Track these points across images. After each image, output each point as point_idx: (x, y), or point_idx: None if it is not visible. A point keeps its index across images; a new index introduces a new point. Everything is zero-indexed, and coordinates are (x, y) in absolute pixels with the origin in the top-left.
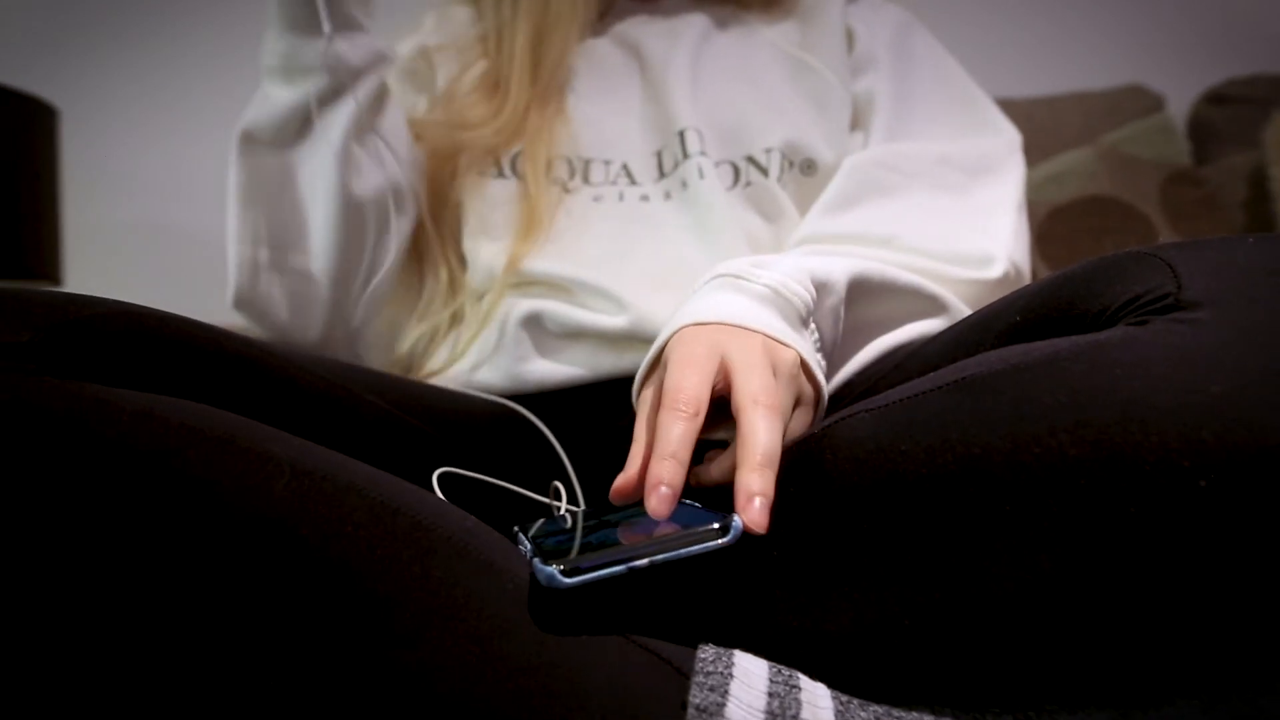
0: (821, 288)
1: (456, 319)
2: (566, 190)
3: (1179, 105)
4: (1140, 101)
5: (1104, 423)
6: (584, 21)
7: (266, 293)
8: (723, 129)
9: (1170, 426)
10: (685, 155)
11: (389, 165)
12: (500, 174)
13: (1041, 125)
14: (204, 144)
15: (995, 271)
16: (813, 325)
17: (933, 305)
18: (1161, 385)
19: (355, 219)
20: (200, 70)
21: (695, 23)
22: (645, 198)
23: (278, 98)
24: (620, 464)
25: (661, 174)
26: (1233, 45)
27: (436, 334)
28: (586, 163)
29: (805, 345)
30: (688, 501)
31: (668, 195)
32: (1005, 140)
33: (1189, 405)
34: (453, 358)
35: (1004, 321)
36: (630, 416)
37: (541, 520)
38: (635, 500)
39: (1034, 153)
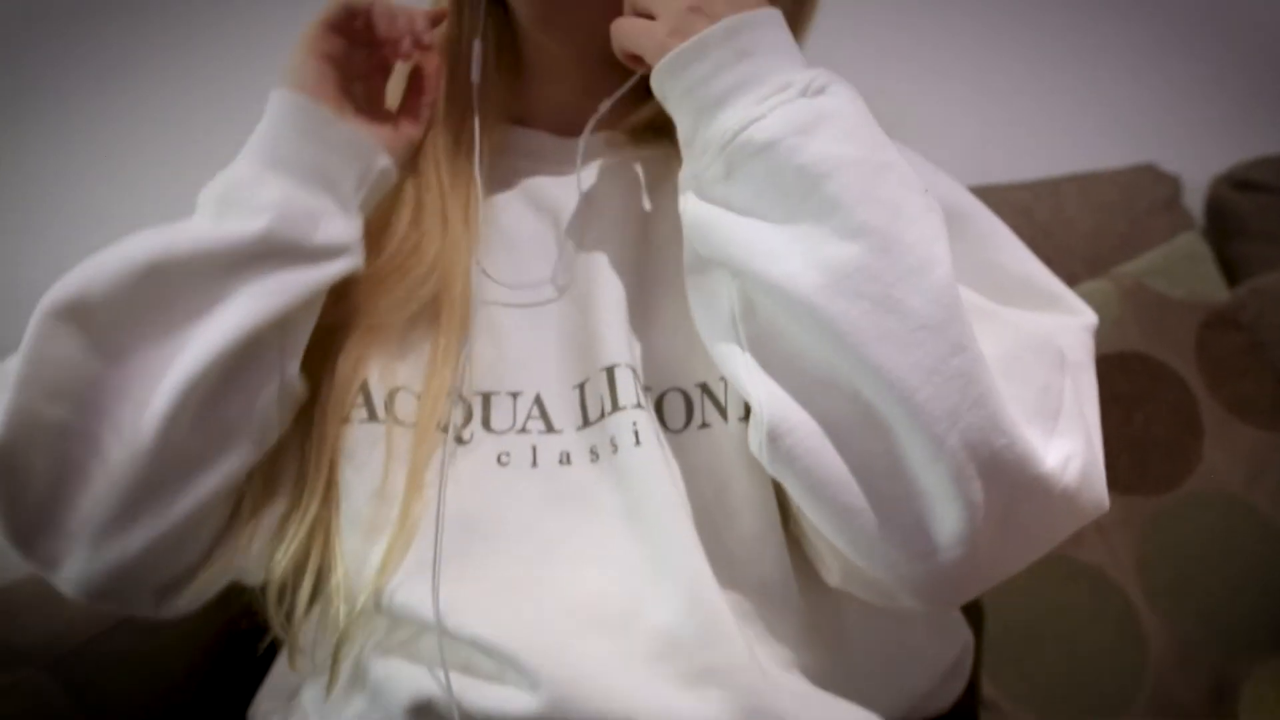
0: None
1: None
2: (460, 441)
3: (1196, 186)
4: (1153, 186)
5: None
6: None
7: (35, 455)
8: (666, 353)
9: None
10: (615, 405)
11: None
12: (371, 415)
13: (1043, 219)
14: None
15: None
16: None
17: None
18: None
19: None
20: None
21: (625, 181)
22: (566, 457)
23: (229, 226)
24: None
25: (585, 420)
26: (1257, 119)
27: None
28: (486, 398)
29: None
30: None
31: (594, 455)
32: (1079, 323)
33: None
34: None
35: None
36: None
37: None
38: None
39: (1039, 244)
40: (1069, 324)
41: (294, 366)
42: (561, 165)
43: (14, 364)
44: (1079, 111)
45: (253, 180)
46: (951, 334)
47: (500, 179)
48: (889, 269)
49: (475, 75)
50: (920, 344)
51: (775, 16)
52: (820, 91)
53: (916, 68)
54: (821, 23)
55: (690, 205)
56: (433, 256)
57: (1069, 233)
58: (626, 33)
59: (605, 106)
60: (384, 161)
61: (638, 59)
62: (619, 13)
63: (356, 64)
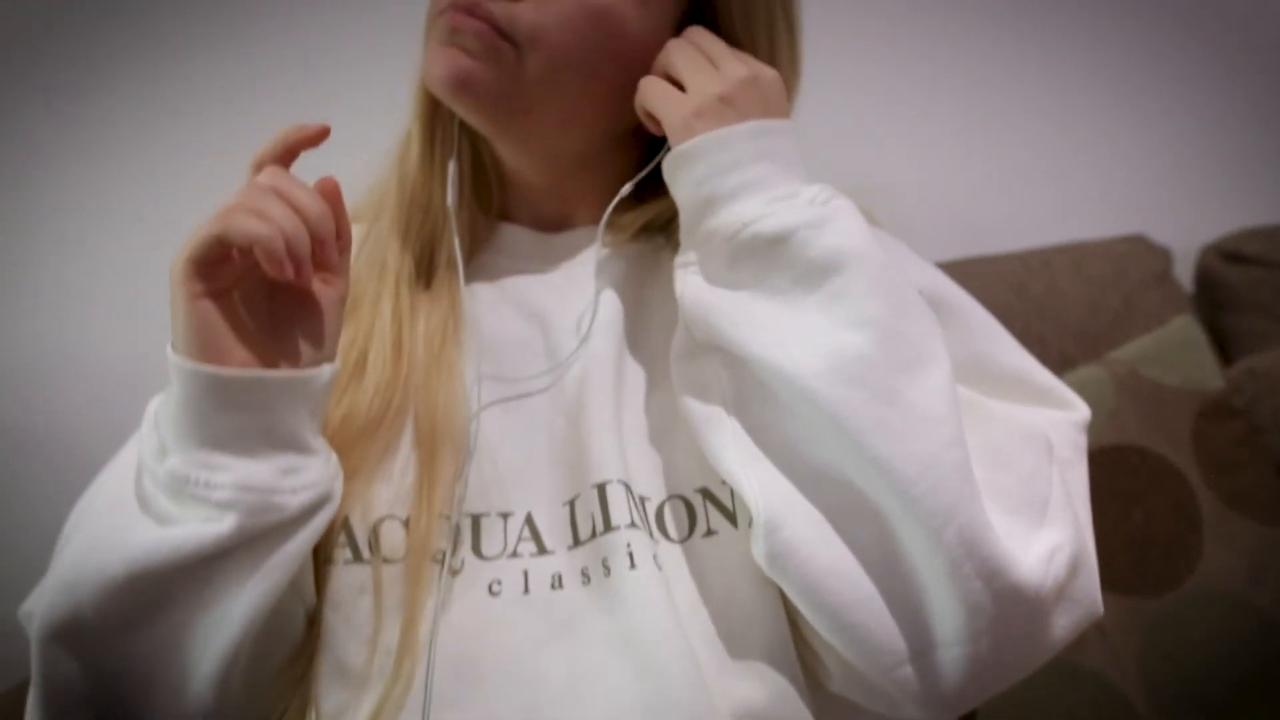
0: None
1: None
2: (452, 571)
3: (1185, 254)
4: (1144, 258)
5: None
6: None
7: None
8: (663, 459)
9: None
10: (608, 525)
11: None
12: (355, 555)
13: (1036, 294)
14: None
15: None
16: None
17: None
18: None
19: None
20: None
21: (615, 278)
22: (558, 580)
23: (196, 529)
24: None
25: (576, 539)
26: (1245, 188)
27: None
28: (476, 521)
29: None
30: None
31: (585, 578)
32: (1068, 418)
33: None
34: None
35: None
36: None
37: None
38: None
39: (1032, 321)
40: (1059, 419)
41: (311, 594)
42: (543, 262)
43: (31, 692)
44: (1068, 181)
45: (198, 467)
46: (949, 428)
47: (478, 279)
48: (891, 359)
49: (451, 199)
50: (919, 436)
51: (792, 129)
52: (825, 202)
53: (906, 138)
54: (811, 93)
55: (690, 288)
56: (392, 389)
57: (1062, 308)
58: (653, 96)
59: (611, 206)
60: (327, 373)
61: (655, 120)
62: (572, 120)
63: (247, 268)
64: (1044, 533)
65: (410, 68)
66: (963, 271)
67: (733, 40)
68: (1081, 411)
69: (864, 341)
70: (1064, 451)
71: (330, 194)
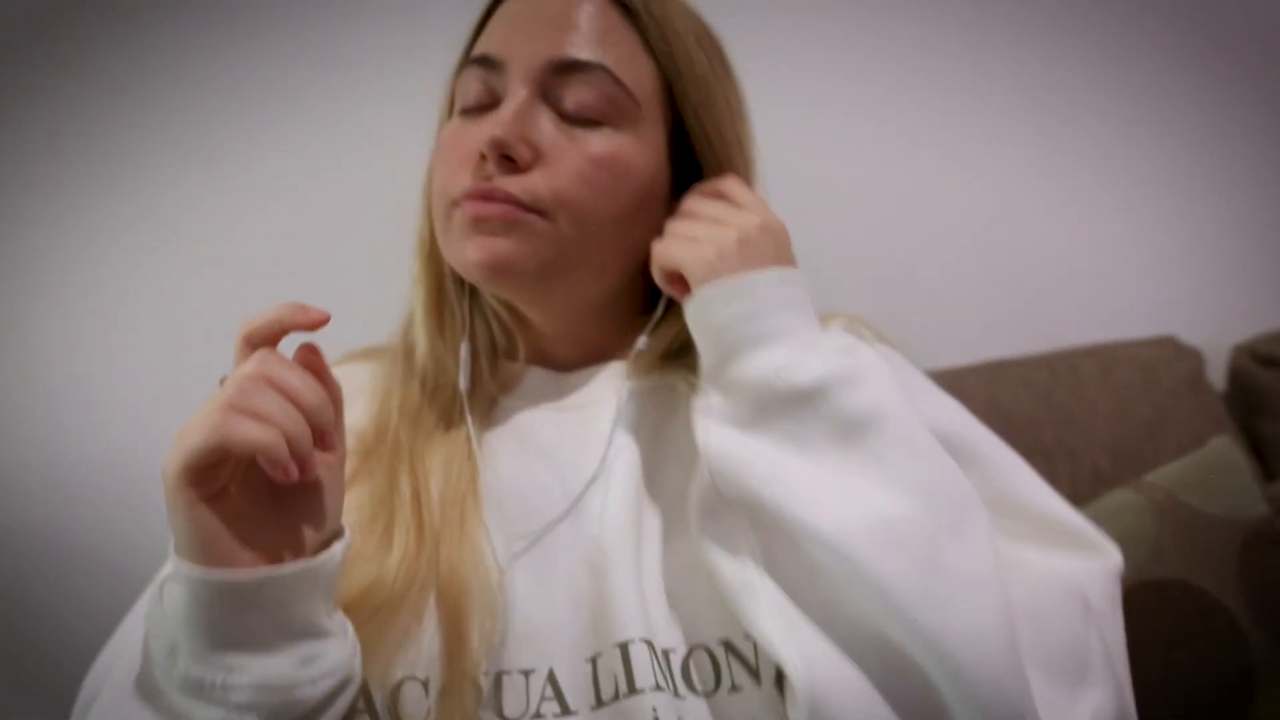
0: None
1: None
2: None
3: (1218, 354)
4: (1174, 362)
5: None
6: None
7: None
8: (684, 608)
9: None
10: (631, 688)
11: None
12: None
13: (1062, 401)
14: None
15: None
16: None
17: None
18: None
19: None
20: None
21: (631, 418)
22: None
23: None
24: None
25: (599, 700)
26: (1275, 286)
27: None
28: (498, 679)
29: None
30: None
31: None
32: (1102, 567)
33: None
34: None
35: None
36: None
37: None
38: None
39: (1061, 433)
40: (1094, 570)
41: None
42: (561, 402)
43: None
44: (1093, 278)
45: (214, 669)
46: (994, 595)
47: (497, 425)
48: (933, 521)
49: (464, 382)
50: (965, 605)
51: (806, 280)
52: (851, 352)
53: (924, 234)
54: (827, 187)
55: (714, 438)
56: (416, 564)
57: (1091, 418)
58: (672, 255)
59: (631, 353)
60: (338, 553)
61: (674, 280)
62: (607, 266)
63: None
64: (1086, 694)
65: (416, 78)
66: (985, 376)
67: (705, 158)
68: (1114, 558)
69: (906, 504)
70: (1101, 605)
71: (316, 367)
